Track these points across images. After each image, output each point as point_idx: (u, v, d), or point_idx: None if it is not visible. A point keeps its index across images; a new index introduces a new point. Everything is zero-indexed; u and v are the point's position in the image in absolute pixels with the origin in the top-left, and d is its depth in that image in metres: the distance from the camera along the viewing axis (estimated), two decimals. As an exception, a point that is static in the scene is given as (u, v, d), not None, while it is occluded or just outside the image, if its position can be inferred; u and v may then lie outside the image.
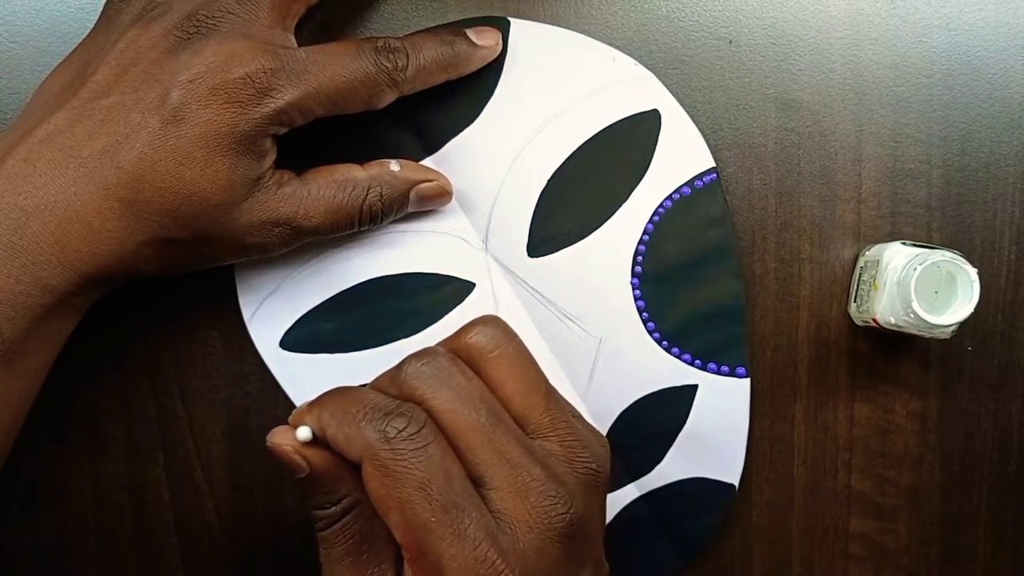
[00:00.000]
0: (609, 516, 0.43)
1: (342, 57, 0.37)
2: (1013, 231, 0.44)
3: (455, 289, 0.42)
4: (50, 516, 0.44)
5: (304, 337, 0.42)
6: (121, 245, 0.36)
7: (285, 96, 0.36)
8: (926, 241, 0.43)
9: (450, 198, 0.42)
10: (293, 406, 0.43)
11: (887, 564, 0.45)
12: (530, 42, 0.42)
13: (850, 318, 0.44)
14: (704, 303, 0.43)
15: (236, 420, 0.44)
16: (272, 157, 0.37)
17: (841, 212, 0.44)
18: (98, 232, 0.35)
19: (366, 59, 0.37)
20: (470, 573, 0.31)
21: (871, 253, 0.42)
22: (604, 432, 0.43)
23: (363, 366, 0.42)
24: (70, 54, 0.38)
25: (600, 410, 0.43)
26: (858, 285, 0.43)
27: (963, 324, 0.39)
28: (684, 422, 0.43)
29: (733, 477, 0.43)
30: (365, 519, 0.35)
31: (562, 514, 0.33)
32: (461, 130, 0.42)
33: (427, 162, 0.42)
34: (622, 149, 0.42)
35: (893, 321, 0.40)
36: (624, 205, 0.42)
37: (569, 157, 0.42)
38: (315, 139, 0.40)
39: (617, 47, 0.42)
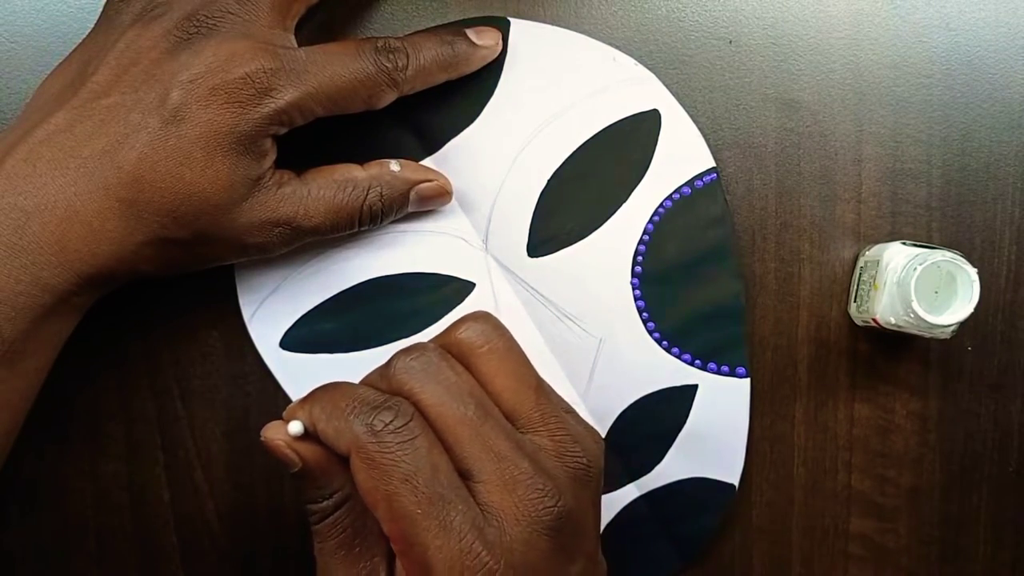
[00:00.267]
0: (609, 516, 0.43)
1: (342, 57, 0.37)
2: (1013, 231, 0.44)
3: (455, 289, 0.42)
4: (50, 516, 0.44)
5: (304, 337, 0.42)
6: (121, 245, 0.36)
7: (285, 96, 0.36)
8: (926, 241, 0.43)
9: (450, 198, 0.42)
10: (294, 405, 0.43)
11: (887, 564, 0.45)
12: (530, 42, 0.42)
13: (850, 318, 0.44)
14: (704, 303, 0.43)
15: (236, 420, 0.44)
16: (272, 157, 0.37)
17: (841, 212, 0.44)
18: (98, 232, 0.35)
19: (366, 59, 0.37)
20: (456, 565, 0.31)
21: (871, 253, 0.42)
22: (604, 432, 0.43)
23: (363, 366, 0.42)
24: (70, 54, 0.38)
25: (600, 410, 0.43)
26: (858, 285, 0.43)
27: (963, 324, 0.39)
28: (684, 422, 0.43)
29: (733, 477, 0.43)
30: (357, 513, 0.35)
31: (550, 507, 0.33)
32: (461, 130, 0.42)
33: (427, 162, 0.42)
34: (622, 149, 0.42)
35: (893, 321, 0.40)
36: (624, 205, 0.42)
37: (569, 157, 0.42)
38: (315, 139, 0.40)
39: (617, 47, 0.42)
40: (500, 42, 0.41)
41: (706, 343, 0.43)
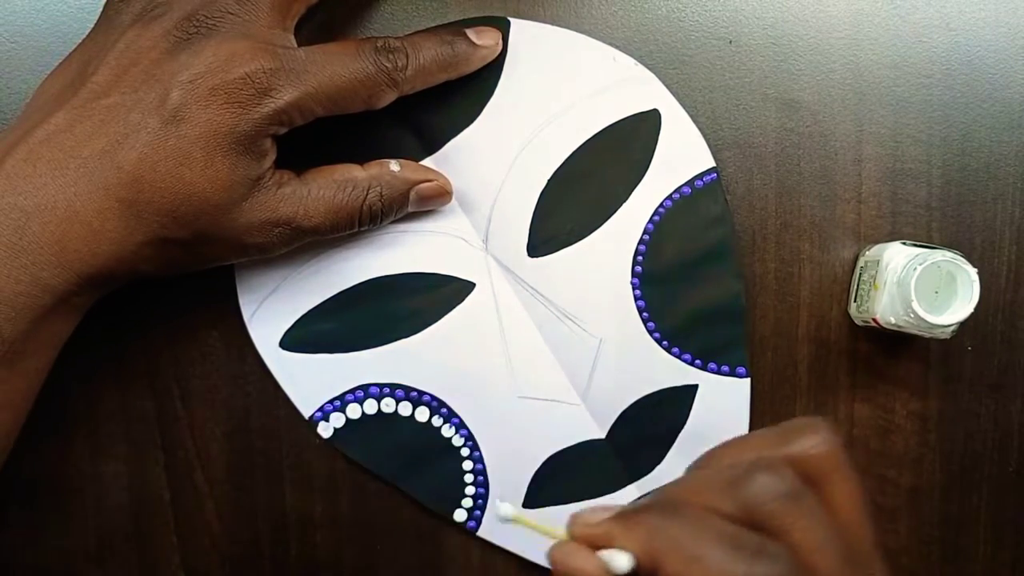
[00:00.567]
0: (609, 517, 0.43)
1: (342, 57, 0.37)
2: (1013, 231, 0.44)
3: (455, 289, 0.42)
4: (50, 516, 0.44)
5: (304, 337, 0.42)
6: (121, 245, 0.36)
7: (285, 96, 0.36)
8: (926, 241, 0.43)
9: (450, 198, 0.42)
10: (293, 406, 0.43)
11: (887, 564, 0.45)
12: (530, 42, 0.42)
13: (850, 318, 0.44)
14: (704, 303, 0.43)
15: (236, 420, 0.44)
16: (272, 157, 0.37)
17: (841, 212, 0.44)
18: (98, 232, 0.35)
19: (366, 59, 0.37)
20: None
21: (871, 253, 0.42)
22: (604, 432, 0.43)
23: (363, 366, 0.42)
24: (70, 54, 0.38)
25: (601, 410, 0.43)
26: (858, 285, 0.43)
27: (963, 324, 0.39)
28: (685, 422, 0.43)
29: (733, 477, 0.43)
30: None
31: None
32: (461, 130, 0.42)
33: (427, 162, 0.42)
34: (622, 149, 0.42)
35: (893, 321, 0.40)
36: (624, 205, 0.42)
37: (569, 157, 0.42)
38: (315, 139, 0.40)
39: (617, 47, 0.42)
40: (500, 42, 0.41)
41: (706, 343, 0.43)
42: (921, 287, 0.38)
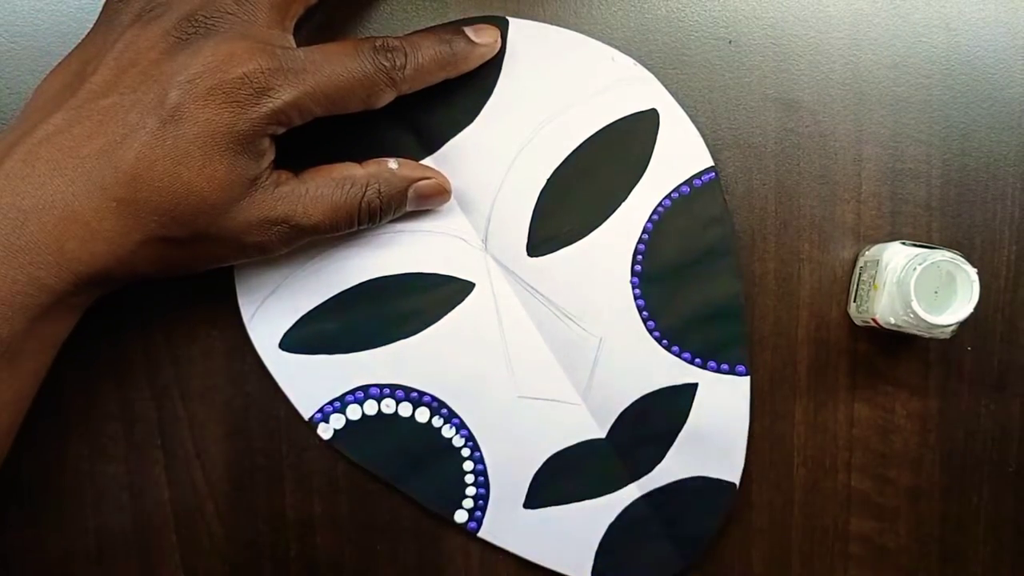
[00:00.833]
0: (611, 517, 0.43)
1: (340, 56, 0.37)
2: (1013, 231, 0.44)
3: (455, 289, 0.42)
4: (50, 516, 0.44)
5: (304, 338, 0.42)
6: (119, 245, 0.36)
7: (283, 96, 0.36)
8: (926, 241, 0.43)
9: (449, 196, 0.42)
10: (293, 407, 0.43)
11: (887, 564, 0.45)
12: (529, 41, 0.42)
13: (850, 318, 0.44)
14: (704, 301, 0.43)
15: (236, 420, 0.44)
16: (271, 157, 0.37)
17: (841, 212, 0.44)
18: (96, 232, 0.35)
19: (364, 58, 0.37)
20: None
21: (871, 253, 0.42)
22: (605, 432, 0.43)
23: (363, 367, 0.42)
24: (69, 54, 0.38)
25: (601, 409, 0.43)
26: (858, 285, 0.43)
27: (963, 324, 0.39)
28: (684, 421, 0.43)
29: (734, 476, 0.43)
30: None
31: None
32: (460, 130, 0.42)
33: (426, 162, 0.42)
34: (621, 148, 0.42)
35: (893, 321, 0.40)
36: (623, 204, 0.42)
37: (568, 156, 0.42)
38: (314, 139, 0.40)
39: (617, 47, 0.42)
40: (499, 40, 0.41)
41: (706, 341, 0.43)
42: (921, 287, 0.38)
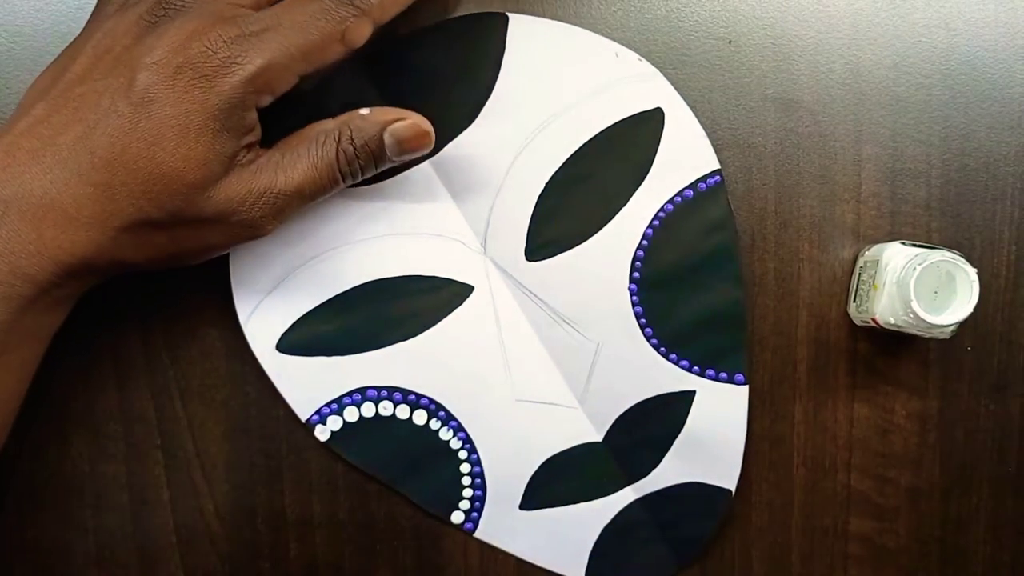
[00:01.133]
0: (606, 519, 0.43)
1: (300, 3, 0.36)
2: (1013, 231, 0.44)
3: (453, 292, 0.42)
4: (50, 516, 0.44)
5: (301, 340, 0.42)
6: (99, 231, 0.36)
7: (253, 61, 0.35)
8: (926, 241, 0.43)
9: (432, 140, 0.39)
10: (291, 407, 0.43)
11: (887, 564, 0.45)
12: (529, 38, 0.42)
13: (850, 318, 0.44)
14: (704, 309, 0.42)
15: (236, 420, 0.44)
16: (256, 134, 0.37)
17: (841, 212, 0.43)
18: (74, 219, 0.35)
19: None
20: None
21: (871, 253, 0.42)
22: (602, 436, 0.43)
23: (360, 369, 0.42)
24: (62, 51, 0.38)
25: (598, 413, 0.43)
26: (857, 285, 0.43)
27: (963, 324, 0.39)
28: (682, 427, 0.43)
29: (730, 483, 0.43)
30: None
31: None
32: (459, 132, 0.42)
33: (426, 166, 0.42)
34: (623, 150, 0.42)
35: (893, 321, 0.40)
36: (624, 209, 0.42)
37: (569, 159, 0.42)
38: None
39: (616, 47, 0.42)
40: None
41: (705, 350, 0.43)
42: (920, 287, 0.38)
